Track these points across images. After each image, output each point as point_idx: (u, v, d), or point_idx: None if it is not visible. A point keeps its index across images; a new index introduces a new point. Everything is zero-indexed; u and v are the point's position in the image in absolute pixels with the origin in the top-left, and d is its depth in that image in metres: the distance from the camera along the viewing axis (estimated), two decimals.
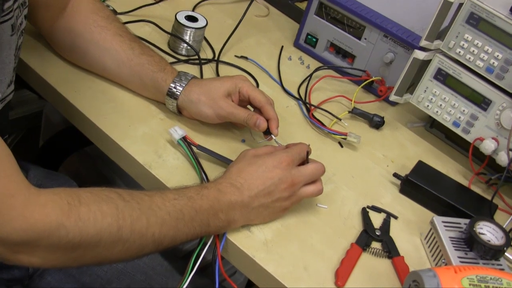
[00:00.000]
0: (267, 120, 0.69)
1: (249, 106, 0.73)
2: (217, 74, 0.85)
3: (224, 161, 0.68)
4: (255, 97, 0.69)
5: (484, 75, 0.75)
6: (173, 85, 0.69)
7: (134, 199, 0.52)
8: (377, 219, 0.69)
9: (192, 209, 0.55)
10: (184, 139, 0.67)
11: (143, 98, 0.75)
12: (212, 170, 0.67)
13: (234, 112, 0.68)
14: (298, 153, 0.63)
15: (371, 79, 0.89)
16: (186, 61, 0.86)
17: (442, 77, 0.79)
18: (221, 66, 0.87)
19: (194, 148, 0.68)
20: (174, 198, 0.55)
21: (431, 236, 0.67)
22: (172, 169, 0.67)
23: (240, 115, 0.68)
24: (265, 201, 0.60)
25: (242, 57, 0.91)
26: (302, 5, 1.02)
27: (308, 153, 0.63)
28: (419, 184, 0.72)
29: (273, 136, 0.69)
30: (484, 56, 0.74)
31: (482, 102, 0.76)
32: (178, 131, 0.68)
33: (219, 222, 0.57)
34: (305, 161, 0.64)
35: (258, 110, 0.70)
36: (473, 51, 0.75)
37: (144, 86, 0.72)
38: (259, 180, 0.59)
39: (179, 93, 0.69)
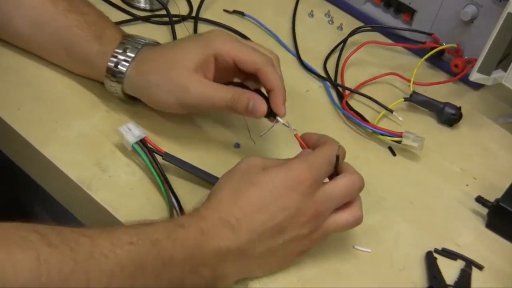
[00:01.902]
0: (268, 93, 0.67)
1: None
2: None
3: (206, 180, 0.68)
4: (247, 60, 0.68)
5: None
6: (113, 61, 0.70)
7: (66, 242, 0.51)
8: (450, 270, 0.68)
9: (158, 261, 0.54)
10: (142, 143, 0.67)
11: (79, 79, 0.75)
12: (188, 192, 0.67)
13: (210, 96, 0.67)
14: (327, 162, 0.62)
15: (440, 47, 0.89)
16: (147, 19, 0.86)
17: None
18: (202, 26, 0.87)
19: (159, 158, 0.68)
20: (129, 241, 0.54)
21: None
22: (124, 191, 0.67)
23: (220, 98, 0.67)
24: (273, 244, 0.60)
25: (235, 12, 0.91)
26: None
27: (338, 158, 0.63)
28: None
29: (279, 119, 0.68)
30: None
31: None
32: (133, 130, 0.68)
33: (199, 280, 0.57)
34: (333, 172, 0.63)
35: (251, 81, 0.69)
36: None
37: (73, 61, 0.73)
38: (267, 213, 0.59)
39: (124, 72, 0.70)
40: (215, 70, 0.69)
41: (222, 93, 0.67)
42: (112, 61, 0.69)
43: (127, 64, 0.69)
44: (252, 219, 0.58)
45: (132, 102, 0.73)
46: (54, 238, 0.51)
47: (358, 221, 0.63)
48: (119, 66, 0.69)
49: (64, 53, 0.72)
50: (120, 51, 0.70)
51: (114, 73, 0.70)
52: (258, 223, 0.58)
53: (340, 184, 0.62)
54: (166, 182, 0.66)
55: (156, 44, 0.73)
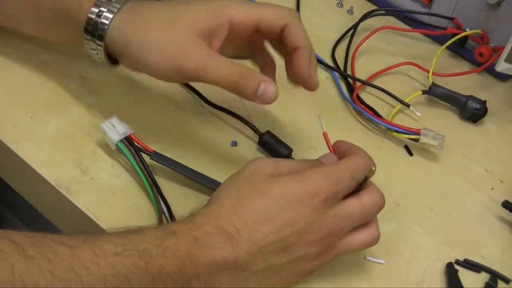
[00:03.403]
0: (293, 52, 0.65)
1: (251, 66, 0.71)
2: None
3: (200, 182, 0.68)
4: (271, 16, 0.65)
5: None
6: (95, 10, 0.65)
7: (43, 252, 0.51)
8: (473, 284, 0.69)
9: (146, 274, 0.54)
10: (128, 141, 0.68)
11: (56, 68, 0.75)
12: (180, 197, 0.67)
13: (213, 68, 0.63)
14: (350, 177, 0.60)
15: (463, 34, 0.89)
16: None
17: None
18: None
19: (147, 158, 0.68)
20: (114, 252, 0.54)
21: None
22: (107, 195, 0.67)
23: (225, 73, 0.63)
24: (277, 262, 0.59)
25: None
26: None
27: (366, 179, 0.62)
28: None
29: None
30: None
31: None
32: (118, 126, 0.68)
33: None
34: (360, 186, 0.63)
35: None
36: None
37: (42, 18, 0.69)
38: (271, 225, 0.58)
39: (107, 24, 0.65)
40: (223, 40, 0.66)
41: (228, 68, 0.63)
42: (93, 12, 0.65)
43: (110, 15, 0.65)
44: (254, 230, 0.58)
45: (113, 65, 0.69)
46: (30, 248, 0.51)
47: (375, 241, 0.63)
48: (102, 15, 0.65)
49: (34, 13, 0.69)
50: (104, 4, 0.66)
51: (95, 26, 0.65)
52: (260, 235, 0.58)
53: (364, 202, 0.61)
54: (154, 185, 0.66)
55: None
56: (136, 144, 0.67)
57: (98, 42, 0.66)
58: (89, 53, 0.68)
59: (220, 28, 0.65)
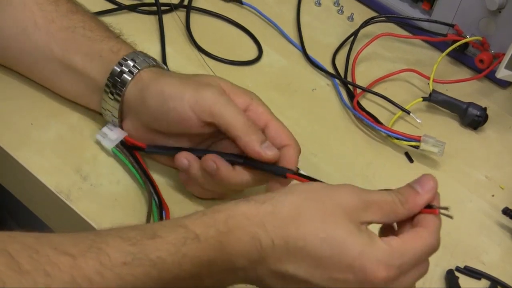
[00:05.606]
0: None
1: None
2: (188, 31, 0.86)
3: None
4: (278, 127, 0.66)
5: None
6: (131, 62, 0.67)
7: (41, 266, 0.48)
8: None
9: (159, 282, 0.52)
10: (122, 144, 0.68)
11: None
12: (181, 202, 0.67)
13: (228, 100, 0.65)
14: (414, 261, 0.56)
15: (464, 40, 0.89)
16: (132, 8, 0.87)
17: None
18: (195, 17, 0.88)
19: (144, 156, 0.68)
20: (123, 261, 0.51)
21: None
22: (107, 202, 0.67)
23: (238, 109, 0.65)
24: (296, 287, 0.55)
25: (233, 0, 0.92)
26: None
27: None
28: None
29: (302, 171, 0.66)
30: None
31: None
32: (110, 134, 0.68)
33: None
34: None
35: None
36: None
37: (67, 70, 0.70)
38: (309, 264, 0.53)
39: (140, 69, 0.67)
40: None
41: (240, 110, 0.65)
42: (125, 61, 0.67)
43: (136, 69, 0.67)
44: (289, 255, 0.54)
45: (120, 127, 0.70)
46: (26, 261, 0.48)
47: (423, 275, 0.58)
48: (137, 63, 0.67)
49: (60, 63, 0.70)
50: (142, 55, 0.69)
51: (119, 77, 0.67)
52: (292, 265, 0.54)
53: (414, 276, 0.57)
54: (150, 182, 0.66)
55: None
56: (129, 144, 0.68)
57: (115, 96, 0.68)
58: (104, 108, 0.69)
59: (240, 96, 0.67)
